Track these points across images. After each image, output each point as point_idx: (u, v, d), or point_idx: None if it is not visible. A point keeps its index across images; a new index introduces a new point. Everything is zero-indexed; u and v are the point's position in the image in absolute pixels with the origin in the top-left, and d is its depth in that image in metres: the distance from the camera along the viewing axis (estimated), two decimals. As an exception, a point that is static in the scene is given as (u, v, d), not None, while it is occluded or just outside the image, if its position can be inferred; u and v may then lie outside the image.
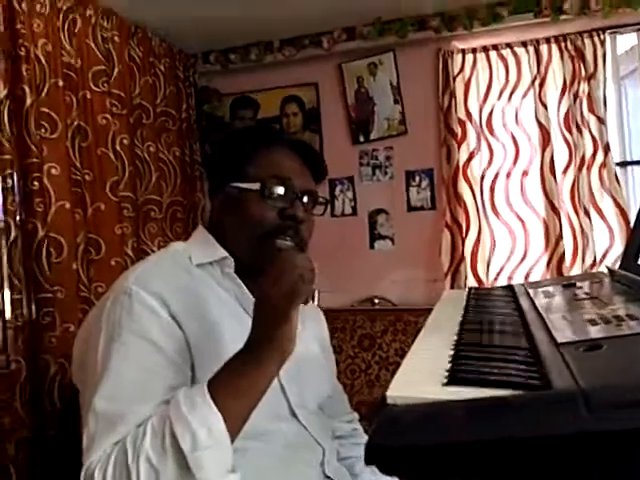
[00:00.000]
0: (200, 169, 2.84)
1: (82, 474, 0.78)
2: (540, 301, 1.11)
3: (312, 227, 1.05)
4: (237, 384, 0.79)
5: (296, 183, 1.01)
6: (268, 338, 0.80)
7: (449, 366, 0.73)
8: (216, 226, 1.06)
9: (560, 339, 0.77)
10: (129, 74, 2.30)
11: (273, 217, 0.98)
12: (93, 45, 2.12)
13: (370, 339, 2.73)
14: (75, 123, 2.00)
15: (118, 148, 2.20)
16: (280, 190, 0.99)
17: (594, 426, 0.50)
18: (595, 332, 0.79)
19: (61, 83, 1.92)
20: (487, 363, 0.73)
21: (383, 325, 2.71)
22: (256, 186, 0.98)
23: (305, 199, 1.03)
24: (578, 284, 1.25)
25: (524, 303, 1.13)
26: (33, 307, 1.82)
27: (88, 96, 2.06)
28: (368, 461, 0.56)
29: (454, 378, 0.66)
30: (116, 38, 2.24)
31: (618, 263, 1.28)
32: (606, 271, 1.34)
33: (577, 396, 0.53)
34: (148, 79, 2.44)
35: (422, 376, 0.70)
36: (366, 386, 2.74)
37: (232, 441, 0.78)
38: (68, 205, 1.93)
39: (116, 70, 2.20)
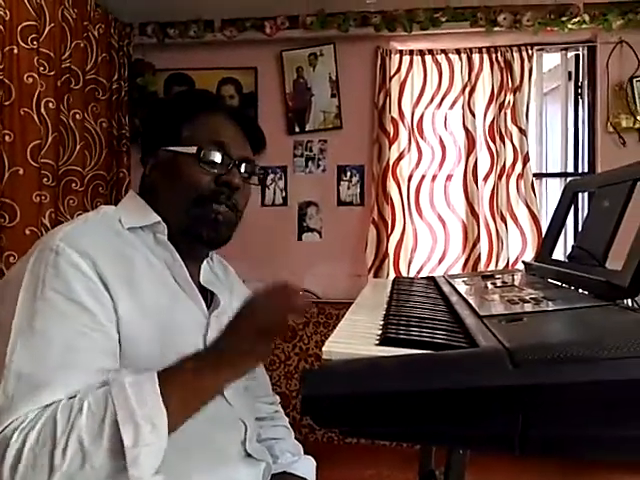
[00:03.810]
0: (128, 144, 2.75)
1: None
2: (461, 287, 1.17)
3: (248, 196, 1.04)
4: (189, 386, 0.76)
5: (233, 150, 0.99)
6: (238, 357, 0.77)
7: (380, 332, 0.75)
8: (148, 191, 1.02)
9: (483, 313, 0.81)
10: (60, 35, 2.19)
11: (208, 182, 0.97)
12: (25, -2, 2.00)
13: (291, 331, 2.74)
14: (-1, 78, 1.88)
15: (43, 111, 2.08)
16: (217, 156, 0.97)
17: (518, 379, 0.54)
18: (515, 309, 0.84)
19: (-13, 33, 1.80)
20: (415, 329, 0.76)
21: (305, 317, 2.73)
22: (192, 150, 0.96)
23: (242, 167, 1.02)
24: (497, 275, 1.32)
25: (446, 288, 1.18)
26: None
27: (15, 51, 1.95)
28: (304, 412, 0.57)
29: (386, 339, 0.69)
30: (49, -6, 2.12)
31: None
32: (521, 268, 1.42)
33: (503, 353, 0.57)
34: (80, 43, 2.33)
35: (355, 338, 0.72)
36: (284, 377, 2.75)
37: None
38: (-16, 165, 1.81)
39: (47, 29, 2.09)
